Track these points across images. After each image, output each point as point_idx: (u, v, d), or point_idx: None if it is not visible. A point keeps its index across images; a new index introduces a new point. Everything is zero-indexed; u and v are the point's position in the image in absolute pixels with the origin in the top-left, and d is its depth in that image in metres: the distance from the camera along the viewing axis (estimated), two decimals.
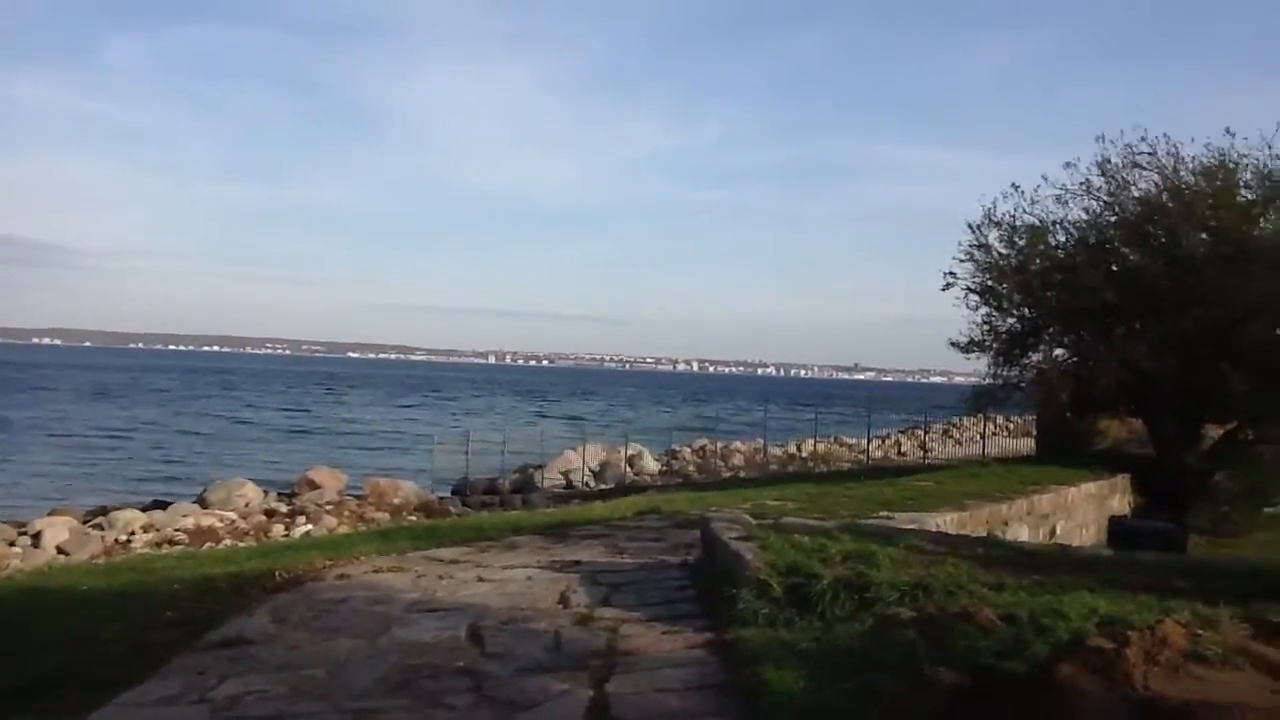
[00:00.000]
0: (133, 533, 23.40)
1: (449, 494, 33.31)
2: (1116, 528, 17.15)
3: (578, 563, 10.39)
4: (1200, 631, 5.59)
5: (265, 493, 30.52)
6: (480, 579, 9.63)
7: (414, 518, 25.31)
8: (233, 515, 26.26)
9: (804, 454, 43.86)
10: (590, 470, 36.65)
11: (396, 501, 29.63)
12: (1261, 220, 22.83)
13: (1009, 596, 6.72)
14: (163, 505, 27.62)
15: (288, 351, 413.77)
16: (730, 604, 7.40)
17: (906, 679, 5.34)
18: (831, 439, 51.23)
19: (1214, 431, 25.05)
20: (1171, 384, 23.03)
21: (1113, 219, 24.74)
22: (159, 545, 21.62)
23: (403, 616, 8.13)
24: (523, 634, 7.51)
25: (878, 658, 5.71)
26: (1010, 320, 25.70)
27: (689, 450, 45.24)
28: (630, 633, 7.51)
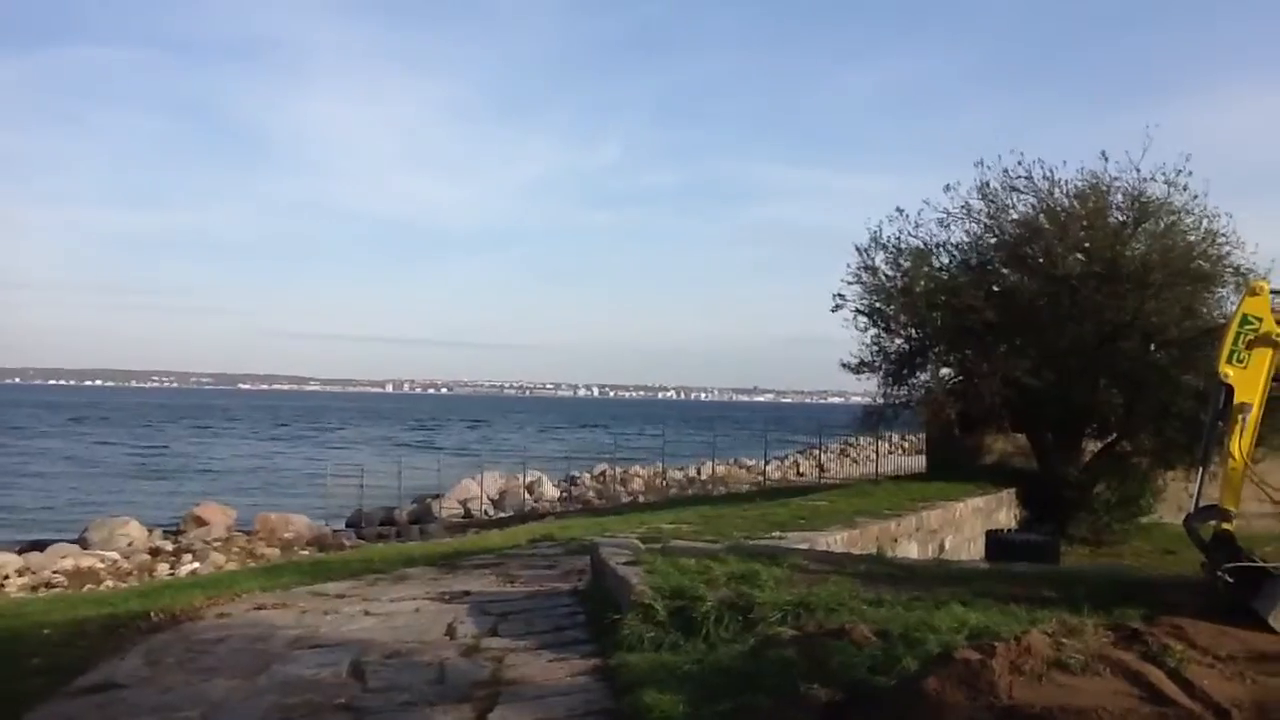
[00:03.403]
0: (6, 576, 22.38)
1: (344, 527, 32.64)
2: (993, 541, 17.64)
3: (468, 593, 10.29)
4: (1064, 640, 5.79)
5: (150, 531, 29.50)
6: (367, 613, 9.47)
7: (306, 552, 24.75)
8: (115, 555, 25.31)
9: (703, 477, 44.19)
10: (489, 499, 36.35)
11: (288, 536, 28.91)
12: (1132, 241, 23.84)
13: (886, 612, 6.86)
14: (40, 546, 26.46)
15: (175, 384, 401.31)
16: (616, 629, 7.41)
17: (783, 697, 5.42)
18: (731, 461, 51.74)
19: (1093, 445, 26.00)
20: (1051, 399, 23.88)
21: (993, 241, 25.64)
22: (35, 589, 20.73)
23: (283, 654, 7.94)
24: (407, 667, 7.40)
25: (756, 677, 5.78)
26: (898, 341, 26.36)
27: (589, 476, 45.19)
28: (516, 661, 7.46)
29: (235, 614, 9.68)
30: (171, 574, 22.85)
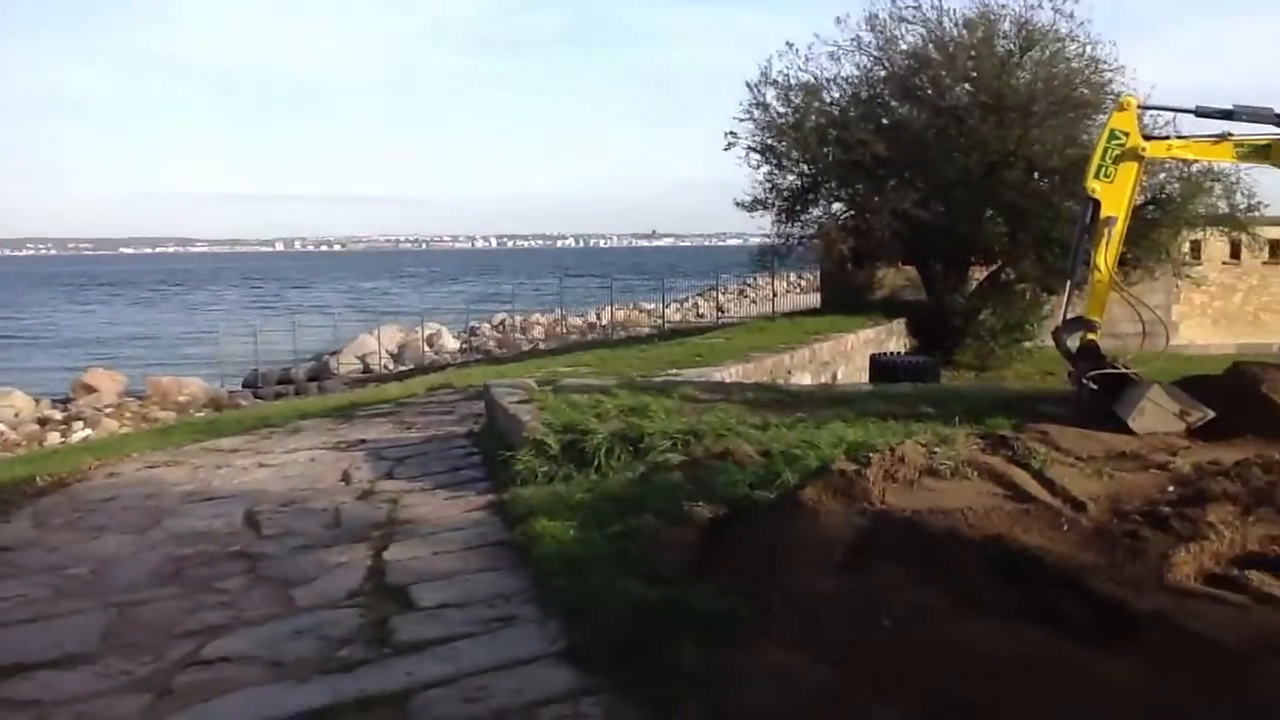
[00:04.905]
0: None
1: (240, 388, 32.12)
2: (877, 363, 18.19)
3: (363, 441, 10.27)
4: (937, 449, 6.03)
5: (37, 401, 28.65)
6: (261, 465, 9.40)
7: (202, 414, 24.35)
8: (0, 427, 24.60)
9: (604, 322, 44.36)
10: (388, 353, 36.07)
11: (183, 399, 28.36)
12: (1017, 70, 24.00)
13: (770, 434, 7.05)
14: None
15: (52, 251, 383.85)
16: (509, 466, 7.51)
17: (669, 517, 5.58)
18: (631, 306, 51.95)
19: (980, 274, 26.70)
20: (940, 231, 24.34)
21: (882, 74, 25.57)
22: None
23: (175, 508, 7.87)
24: (302, 513, 7.41)
25: (643, 501, 5.93)
26: (790, 177, 26.40)
27: (489, 326, 45.05)
28: (412, 502, 7.52)
29: (125, 473, 9.53)
30: (63, 442, 22.31)
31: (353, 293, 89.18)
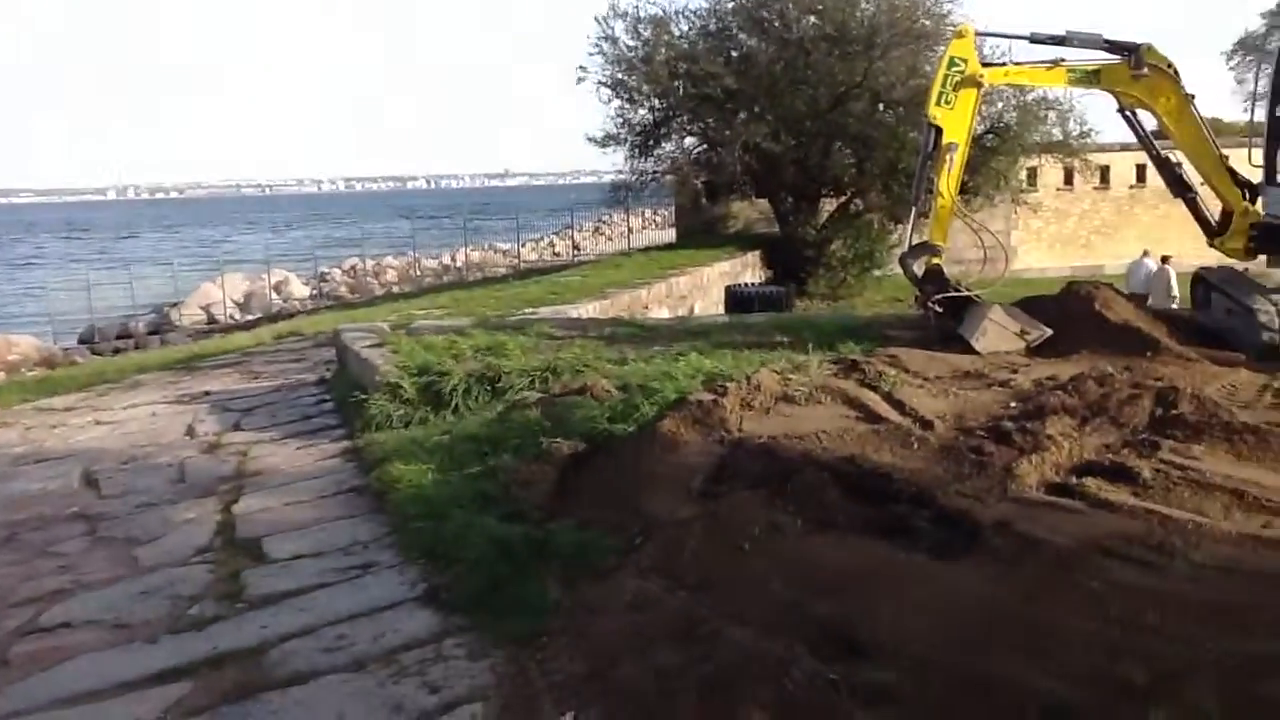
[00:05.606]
0: None
1: (76, 344, 30.47)
2: (731, 294, 18.45)
3: (208, 393, 9.89)
4: (791, 376, 6.13)
5: None
6: (97, 423, 8.96)
7: (34, 373, 23.05)
8: None
9: (458, 264, 43.61)
10: (234, 302, 34.69)
11: (13, 359, 26.72)
12: (862, 2, 24.29)
13: (628, 368, 7.06)
14: None
15: None
16: (363, 411, 7.33)
17: (528, 455, 5.53)
18: (486, 247, 51.20)
19: (830, 206, 27.16)
20: (790, 163, 24.64)
21: (730, 5, 25.55)
22: None
23: (7, 472, 7.45)
24: (144, 470, 7.10)
25: (502, 440, 5.87)
26: (642, 112, 26.25)
27: (339, 272, 43.73)
28: (262, 453, 7.29)
29: None
30: None
31: (193, 241, 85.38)
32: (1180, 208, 9.51)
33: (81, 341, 30.91)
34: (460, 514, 4.93)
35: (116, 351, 27.10)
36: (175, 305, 34.21)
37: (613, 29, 24.99)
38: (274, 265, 39.39)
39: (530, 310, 13.90)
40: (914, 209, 8.53)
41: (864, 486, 4.32)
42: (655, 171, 26.86)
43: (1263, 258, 9.07)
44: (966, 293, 8.11)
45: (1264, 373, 6.57)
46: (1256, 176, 8.69)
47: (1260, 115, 8.88)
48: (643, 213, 41.75)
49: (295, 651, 4.03)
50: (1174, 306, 13.02)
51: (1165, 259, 16.06)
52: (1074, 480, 4.31)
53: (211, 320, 33.05)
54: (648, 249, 29.72)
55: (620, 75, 25.37)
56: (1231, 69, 36.89)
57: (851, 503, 4.18)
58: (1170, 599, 3.21)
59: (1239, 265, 8.99)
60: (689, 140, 27.09)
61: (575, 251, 40.56)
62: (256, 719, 3.54)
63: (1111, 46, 8.42)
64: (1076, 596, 3.31)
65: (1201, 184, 9.11)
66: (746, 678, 3.05)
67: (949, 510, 4.03)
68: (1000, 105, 23.43)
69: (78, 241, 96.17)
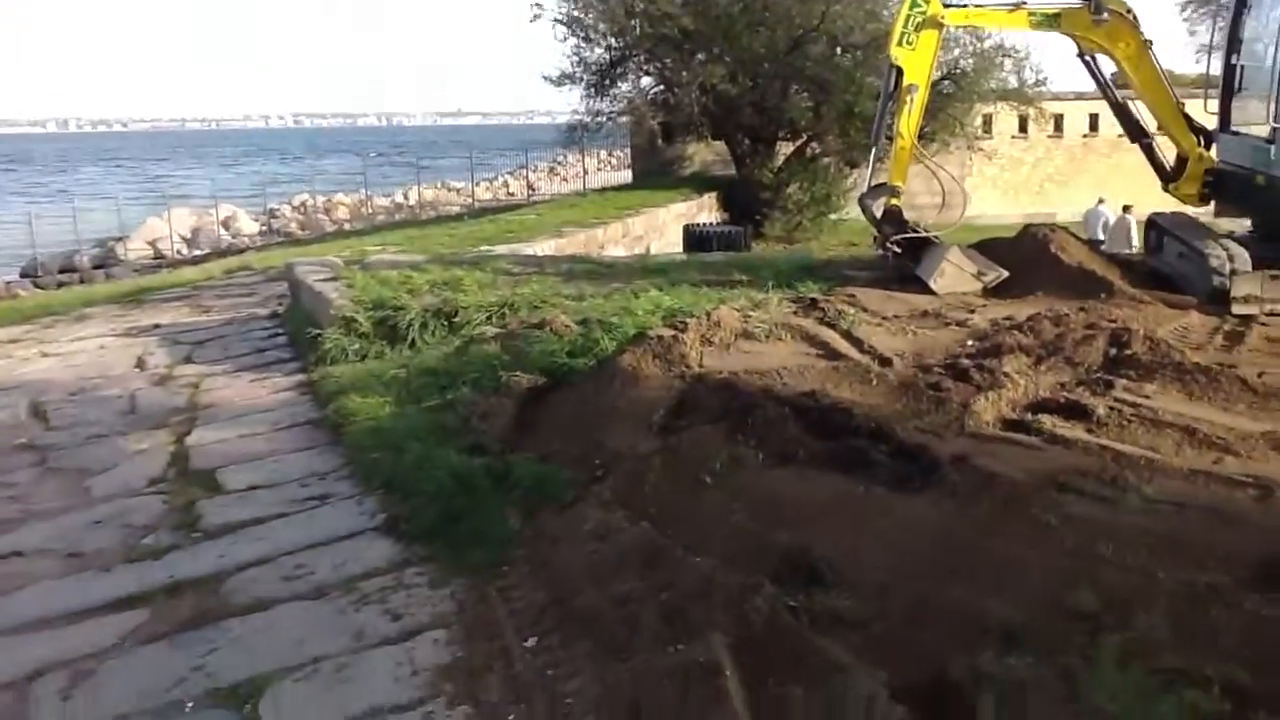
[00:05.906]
0: None
1: (18, 278, 29.78)
2: (689, 233, 18.46)
3: (157, 326, 9.72)
4: (751, 313, 6.14)
5: None
6: (44, 355, 8.77)
7: None
8: None
9: (411, 202, 43.08)
10: (181, 237, 34.04)
11: None
12: None
13: (587, 304, 7.03)
14: None
15: None
16: (317, 345, 7.24)
17: (487, 389, 5.50)
18: (439, 185, 50.61)
19: (787, 149, 27.08)
20: (747, 106, 24.48)
21: None
22: None
23: None
24: (93, 402, 6.98)
25: (460, 374, 5.83)
26: (598, 51, 25.87)
27: (289, 208, 43.05)
28: (215, 386, 7.20)
29: None
30: None
31: (138, 175, 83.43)
32: (1133, 156, 9.59)
33: (24, 275, 30.26)
34: (419, 446, 4.90)
35: (60, 285, 26.54)
36: (120, 240, 33.50)
37: None
38: (222, 201, 38.65)
39: (486, 248, 13.76)
40: (873, 150, 8.52)
41: (824, 421, 4.35)
42: (611, 112, 26.54)
43: (1210, 206, 9.21)
44: (925, 234, 8.15)
45: (1215, 315, 6.70)
46: (1211, 125, 8.79)
47: (1216, 68, 8.96)
48: (598, 154, 41.42)
49: (254, 579, 4.01)
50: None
51: (1126, 208, 16.25)
52: (1030, 417, 4.38)
53: (159, 255, 32.45)
54: (604, 190, 29.51)
55: (576, 13, 25.00)
56: (1185, 20, 37.12)
57: (812, 437, 4.21)
58: (1123, 531, 3.29)
59: (1192, 211, 9.10)
60: (645, 81, 26.79)
61: (530, 191, 40.22)
62: (216, 645, 3.52)
63: None
64: (1032, 529, 3.37)
65: (1157, 130, 9.19)
66: (708, 605, 3.09)
67: (908, 445, 4.08)
68: (957, 52, 23.39)
69: (13, 175, 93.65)
